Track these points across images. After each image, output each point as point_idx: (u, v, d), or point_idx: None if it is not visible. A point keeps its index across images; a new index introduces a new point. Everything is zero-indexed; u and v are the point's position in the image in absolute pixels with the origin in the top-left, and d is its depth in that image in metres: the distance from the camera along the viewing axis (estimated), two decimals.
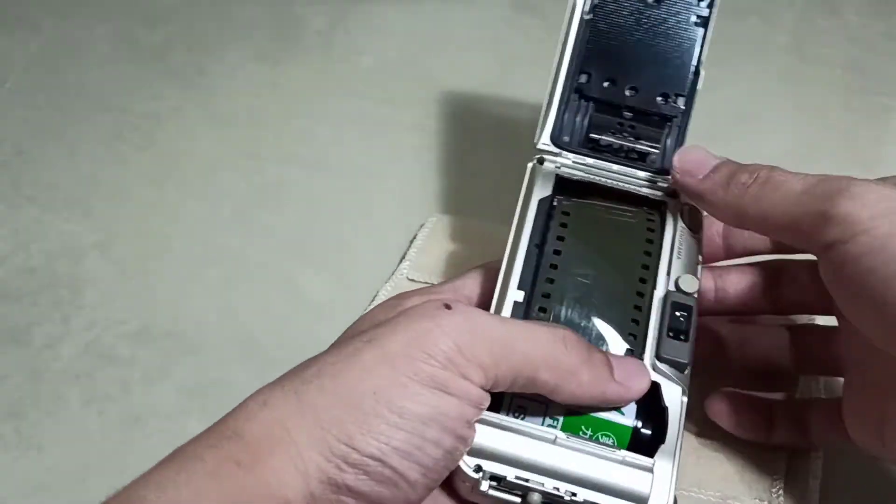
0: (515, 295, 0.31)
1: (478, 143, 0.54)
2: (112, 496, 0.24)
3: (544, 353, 0.28)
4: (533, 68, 0.60)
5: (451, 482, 0.29)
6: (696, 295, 0.32)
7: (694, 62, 0.35)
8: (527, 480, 0.28)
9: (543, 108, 0.36)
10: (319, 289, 0.46)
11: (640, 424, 0.30)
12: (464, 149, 0.54)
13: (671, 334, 0.31)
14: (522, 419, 0.29)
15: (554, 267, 0.32)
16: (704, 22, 0.36)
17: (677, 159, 0.33)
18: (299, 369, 0.28)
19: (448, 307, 0.27)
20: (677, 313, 0.31)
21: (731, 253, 0.36)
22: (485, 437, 0.28)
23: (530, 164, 0.35)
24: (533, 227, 0.33)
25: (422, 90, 0.57)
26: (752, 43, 0.60)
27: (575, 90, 0.36)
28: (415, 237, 0.47)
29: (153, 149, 0.54)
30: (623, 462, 0.28)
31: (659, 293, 0.32)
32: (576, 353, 0.28)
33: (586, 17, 0.36)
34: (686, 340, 0.30)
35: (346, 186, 0.52)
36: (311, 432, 0.25)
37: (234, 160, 0.53)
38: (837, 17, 0.62)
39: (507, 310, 0.31)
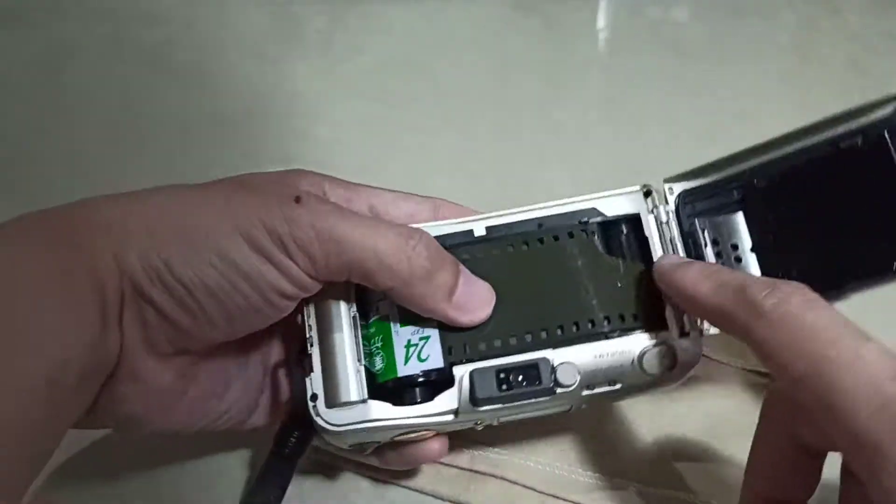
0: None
1: (478, 143, 0.54)
2: None
3: (384, 257, 0.29)
4: (533, 68, 0.60)
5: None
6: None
7: None
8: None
9: None
10: None
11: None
12: (463, 149, 0.54)
13: None
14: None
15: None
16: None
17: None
18: (162, 188, 0.30)
19: (298, 200, 0.29)
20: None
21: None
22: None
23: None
24: None
25: (422, 90, 0.57)
26: (752, 43, 0.60)
27: None
28: None
29: (153, 149, 0.54)
30: None
31: None
32: (419, 263, 0.29)
33: None
34: None
35: None
36: (138, 238, 0.28)
37: (235, 160, 0.53)
38: (838, 16, 0.62)
39: None
